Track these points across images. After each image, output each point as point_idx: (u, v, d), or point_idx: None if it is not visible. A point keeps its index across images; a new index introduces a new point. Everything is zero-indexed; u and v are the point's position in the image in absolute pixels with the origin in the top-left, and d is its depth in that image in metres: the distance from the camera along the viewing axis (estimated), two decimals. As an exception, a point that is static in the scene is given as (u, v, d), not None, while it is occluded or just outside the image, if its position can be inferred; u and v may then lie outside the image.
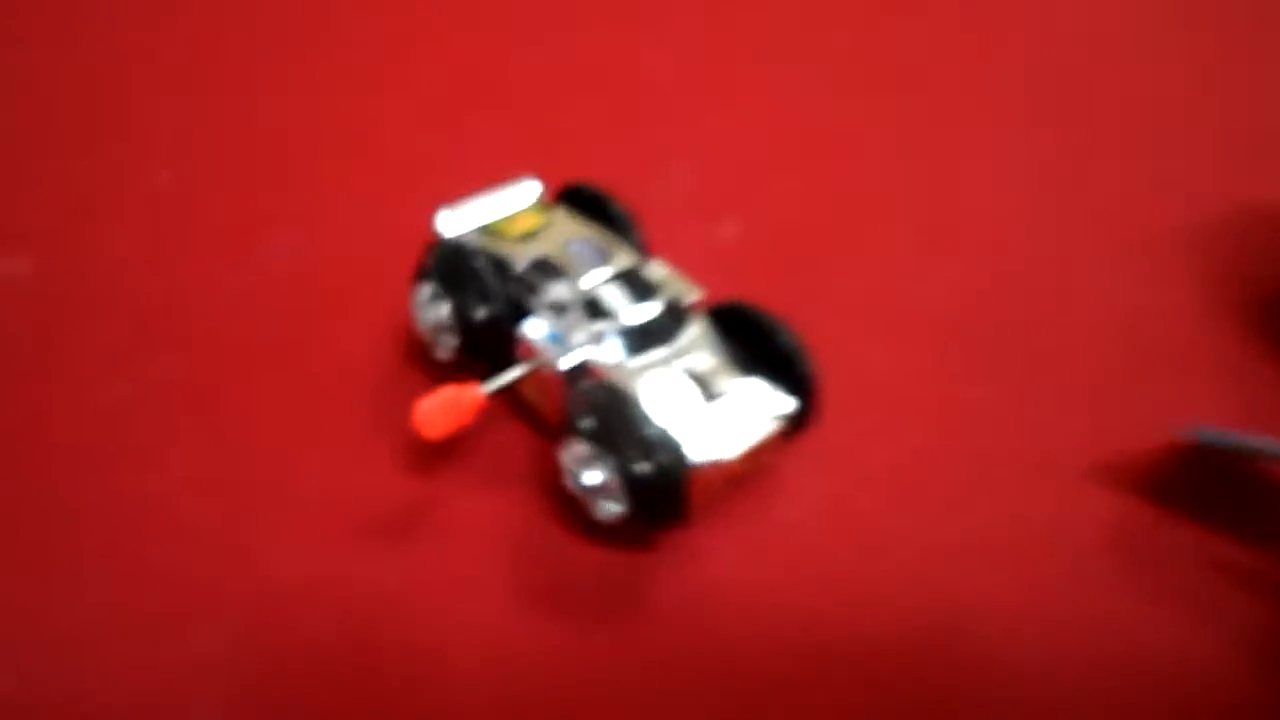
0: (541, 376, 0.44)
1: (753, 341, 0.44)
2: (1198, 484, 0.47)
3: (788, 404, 0.43)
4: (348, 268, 0.55)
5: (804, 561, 0.43)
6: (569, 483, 0.42)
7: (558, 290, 0.44)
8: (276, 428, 0.47)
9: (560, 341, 0.43)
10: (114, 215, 0.58)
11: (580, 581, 0.42)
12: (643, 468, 0.39)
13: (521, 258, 0.46)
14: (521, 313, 0.45)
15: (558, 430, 0.45)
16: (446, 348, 0.47)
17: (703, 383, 0.42)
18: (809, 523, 0.45)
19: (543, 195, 0.51)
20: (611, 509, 0.41)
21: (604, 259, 0.45)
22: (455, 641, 0.40)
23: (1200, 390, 0.52)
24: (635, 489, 0.39)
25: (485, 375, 0.43)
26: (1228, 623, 0.42)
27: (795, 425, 0.44)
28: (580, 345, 0.43)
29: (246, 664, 0.39)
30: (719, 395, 0.42)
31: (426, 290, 0.46)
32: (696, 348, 0.44)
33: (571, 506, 0.43)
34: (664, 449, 0.39)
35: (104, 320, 0.52)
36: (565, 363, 0.42)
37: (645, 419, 0.39)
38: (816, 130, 0.69)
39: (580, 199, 0.51)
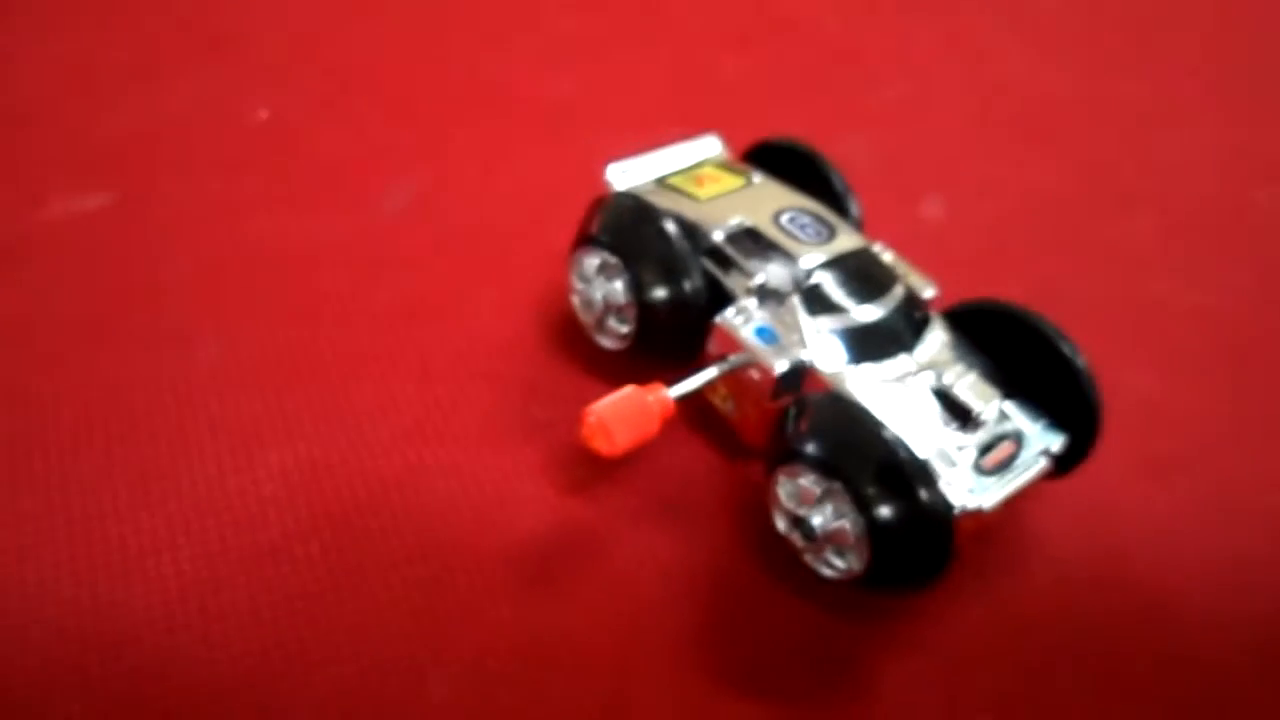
0: (743, 380, 0.34)
1: (1007, 354, 0.34)
2: None
3: (1057, 440, 0.33)
4: (479, 222, 0.46)
5: (1069, 641, 0.33)
6: (780, 524, 0.32)
7: (770, 271, 0.34)
8: (385, 418, 0.37)
9: (772, 337, 0.33)
10: (208, 152, 0.49)
11: (785, 655, 0.32)
12: (893, 512, 0.29)
13: (719, 224, 0.36)
14: (718, 295, 0.35)
15: (756, 449, 0.35)
16: (615, 334, 0.37)
17: (956, 404, 0.32)
18: (1072, 585, 0.34)
19: (728, 154, 0.41)
20: (839, 564, 0.31)
21: (828, 236, 0.35)
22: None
23: None
24: (880, 539, 0.29)
25: (660, 373, 0.33)
26: None
27: (1064, 465, 0.33)
28: (799, 344, 0.33)
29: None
30: (979, 422, 0.32)
31: (594, 260, 0.36)
32: (945, 358, 0.34)
33: (776, 551, 0.33)
34: (925, 488, 0.29)
35: (184, 269, 0.43)
36: (780, 365, 0.32)
37: (897, 447, 0.29)
38: (1040, 101, 0.58)
39: (778, 159, 0.41)
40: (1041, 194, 0.51)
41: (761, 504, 0.33)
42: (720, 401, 0.36)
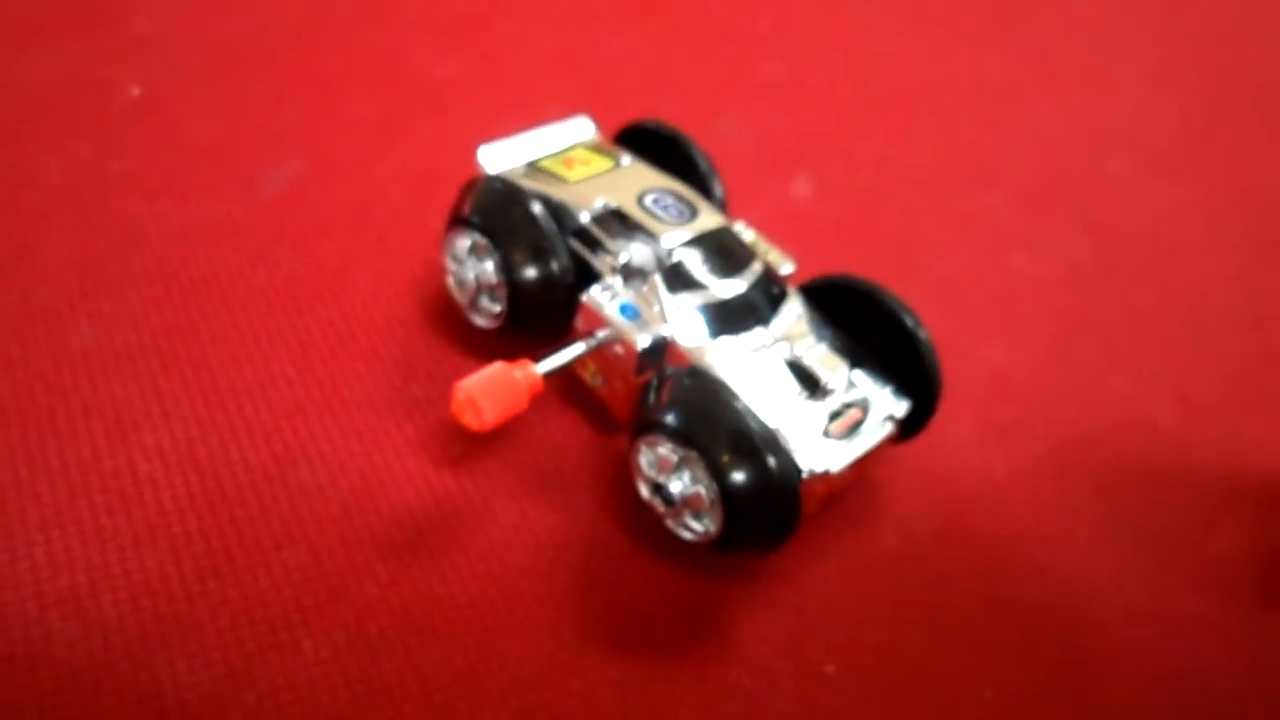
0: (608, 356, 0.35)
1: (858, 326, 0.36)
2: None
3: (901, 406, 0.35)
4: (359, 204, 0.46)
5: (918, 593, 0.36)
6: (643, 490, 0.34)
7: (634, 250, 0.36)
8: (264, 399, 0.38)
9: (635, 314, 0.35)
10: (78, 128, 0.48)
11: (653, 613, 0.34)
12: (744, 477, 0.31)
13: (586, 206, 0.37)
14: (585, 274, 0.36)
15: (626, 423, 0.37)
16: (487, 313, 0.38)
17: (807, 375, 0.34)
18: (917, 542, 0.37)
19: (599, 136, 0.43)
20: (696, 527, 0.33)
21: (690, 215, 0.37)
22: (504, 680, 0.32)
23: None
24: (732, 503, 0.31)
25: (534, 349, 0.35)
26: None
27: (908, 430, 0.36)
28: (660, 320, 0.35)
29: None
30: (827, 391, 0.34)
31: (465, 241, 0.37)
32: (799, 331, 0.36)
33: (643, 518, 0.35)
34: (772, 455, 0.31)
35: (55, 249, 0.42)
36: (643, 341, 0.34)
37: (746, 415, 0.31)
38: (903, 80, 0.61)
39: (647, 141, 0.42)
40: (907, 170, 0.54)
41: (627, 472, 0.35)
42: (590, 377, 0.37)
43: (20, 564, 0.32)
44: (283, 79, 0.53)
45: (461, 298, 0.39)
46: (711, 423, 0.31)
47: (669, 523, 0.34)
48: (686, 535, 0.33)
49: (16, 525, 0.33)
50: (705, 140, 0.43)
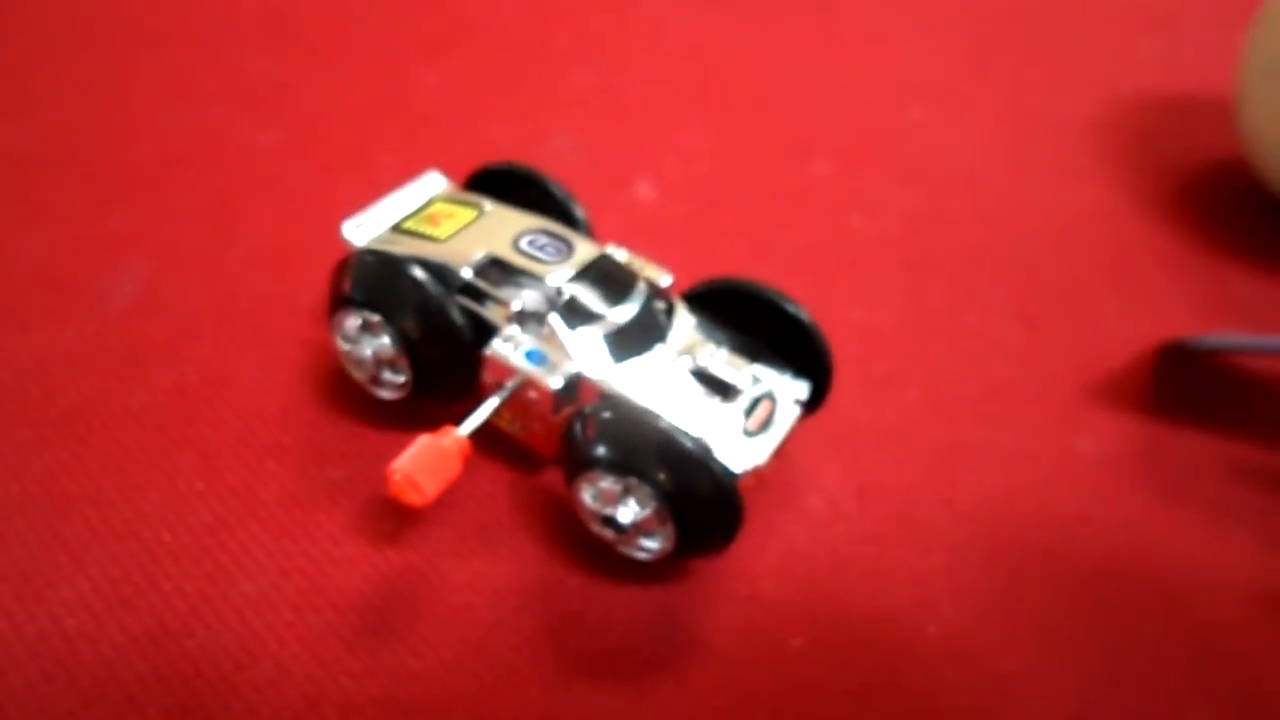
0: (523, 401, 0.36)
1: (742, 321, 0.39)
2: (1187, 387, 0.46)
3: (802, 388, 0.38)
4: (218, 296, 0.45)
5: (853, 550, 0.39)
6: (593, 525, 0.35)
7: (525, 296, 0.37)
8: (180, 522, 0.37)
9: (540, 357, 0.36)
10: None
11: (623, 633, 0.35)
12: (687, 490, 0.33)
13: (465, 261, 0.38)
14: (480, 329, 0.37)
15: (552, 458, 0.38)
16: (392, 385, 0.38)
17: (714, 380, 0.36)
18: (841, 504, 0.40)
19: (452, 186, 0.43)
20: (651, 545, 0.34)
21: (567, 250, 0.38)
22: (495, 742, 0.32)
23: (1155, 291, 0.51)
24: (683, 516, 0.33)
25: (436, 409, 0.35)
26: (1242, 518, 0.41)
27: (811, 405, 0.39)
28: (566, 357, 0.36)
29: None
30: (736, 391, 0.36)
31: (354, 320, 0.37)
32: (695, 340, 0.38)
33: (590, 547, 0.36)
34: (708, 463, 0.33)
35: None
36: (555, 382, 0.35)
37: (675, 434, 0.33)
38: (708, 67, 0.63)
39: (499, 182, 0.43)
40: (734, 155, 0.56)
41: (564, 505, 0.36)
42: (507, 425, 0.38)
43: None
44: (97, 178, 0.50)
45: (361, 375, 0.39)
46: (644, 448, 0.33)
47: (621, 549, 0.35)
48: (641, 555, 0.35)
49: (-46, 719, 0.31)
50: (540, 162, 0.44)
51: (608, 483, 0.33)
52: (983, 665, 0.36)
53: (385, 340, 0.37)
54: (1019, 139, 0.60)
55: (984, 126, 0.61)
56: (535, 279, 0.37)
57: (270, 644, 0.34)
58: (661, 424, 0.33)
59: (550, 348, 0.36)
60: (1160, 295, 0.51)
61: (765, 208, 0.53)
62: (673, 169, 0.55)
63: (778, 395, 0.37)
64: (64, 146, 0.52)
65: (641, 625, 0.36)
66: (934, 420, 0.44)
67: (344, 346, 0.38)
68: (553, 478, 0.39)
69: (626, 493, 0.33)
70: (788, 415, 0.37)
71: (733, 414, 0.36)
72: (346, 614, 0.35)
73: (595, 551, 0.37)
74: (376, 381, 0.38)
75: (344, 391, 0.41)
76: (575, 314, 0.36)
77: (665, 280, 0.40)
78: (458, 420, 0.35)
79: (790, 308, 0.37)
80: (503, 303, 0.37)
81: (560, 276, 0.37)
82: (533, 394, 0.36)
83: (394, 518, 0.38)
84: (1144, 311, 0.50)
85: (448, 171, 0.44)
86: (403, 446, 0.33)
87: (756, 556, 0.38)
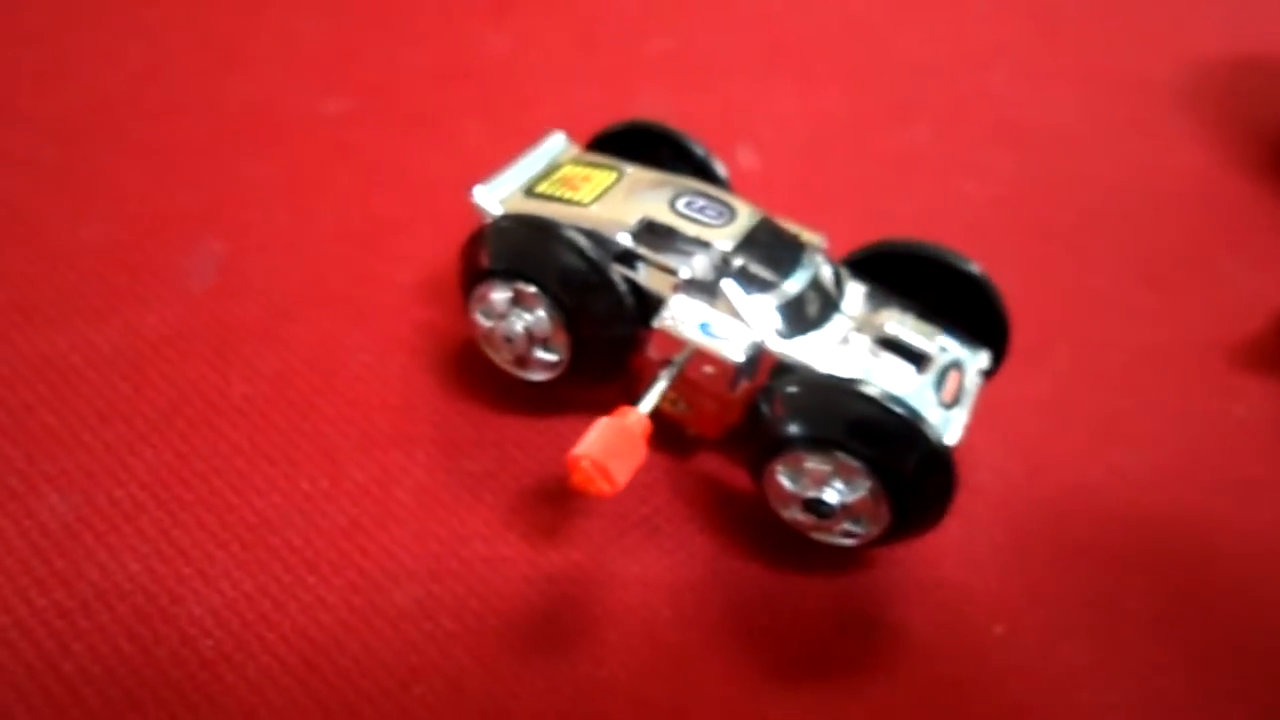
0: (694, 377, 0.33)
1: (913, 286, 0.36)
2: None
3: (984, 357, 0.35)
4: (307, 275, 0.41)
5: (1033, 526, 0.36)
6: (787, 511, 0.32)
7: (694, 263, 0.33)
8: (313, 528, 0.33)
9: (712, 330, 0.33)
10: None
11: (818, 627, 0.32)
12: (905, 464, 0.30)
13: (621, 226, 0.34)
14: (640, 300, 0.33)
15: (715, 440, 0.35)
16: (544, 365, 0.34)
17: (904, 349, 0.33)
18: (1011, 479, 0.37)
19: (576, 148, 0.40)
20: (857, 530, 0.31)
21: (730, 213, 0.35)
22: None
23: (1270, 251, 0.49)
24: (898, 494, 0.30)
25: (585, 393, 0.32)
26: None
27: (988, 374, 0.36)
28: (745, 329, 0.32)
29: None
30: (928, 360, 0.33)
31: (503, 293, 0.33)
32: (872, 307, 0.35)
33: (762, 537, 0.33)
34: (929, 438, 0.30)
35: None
36: (739, 354, 0.32)
37: (888, 403, 0.30)
38: (792, 34, 0.60)
39: (626, 144, 0.40)
40: (828, 122, 0.54)
41: (727, 490, 0.33)
42: (670, 405, 0.35)
43: None
44: (150, 151, 0.46)
45: (505, 356, 0.35)
46: (851, 419, 0.30)
47: (817, 535, 0.32)
48: (845, 541, 0.32)
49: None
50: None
51: (813, 463, 0.30)
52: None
53: (541, 314, 0.33)
54: (1100, 100, 0.58)
55: (1065, 88, 0.58)
56: (701, 245, 0.33)
57: (434, 657, 0.30)
58: (870, 392, 0.30)
59: (725, 318, 0.33)
60: (1276, 255, 0.49)
61: (870, 174, 0.50)
62: (770, 135, 0.52)
63: (965, 365, 0.34)
64: (106, 118, 0.47)
65: (833, 617, 0.33)
66: (1085, 389, 0.41)
67: (486, 324, 0.34)
68: (710, 461, 0.36)
69: (835, 472, 0.30)
70: (975, 386, 0.34)
71: (926, 384, 0.33)
72: (512, 620, 0.31)
73: (768, 539, 0.34)
74: (524, 362, 0.35)
75: (467, 374, 0.37)
76: (749, 281, 0.33)
77: (820, 244, 0.37)
78: (581, 404, 0.31)
79: (971, 267, 0.35)
80: (668, 270, 0.33)
81: (728, 241, 0.33)
82: (708, 369, 0.32)
83: (546, 508, 0.34)
84: (1264, 272, 0.48)
85: (536, 136, 0.40)
86: (540, 433, 0.30)
87: (935, 538, 0.35)
